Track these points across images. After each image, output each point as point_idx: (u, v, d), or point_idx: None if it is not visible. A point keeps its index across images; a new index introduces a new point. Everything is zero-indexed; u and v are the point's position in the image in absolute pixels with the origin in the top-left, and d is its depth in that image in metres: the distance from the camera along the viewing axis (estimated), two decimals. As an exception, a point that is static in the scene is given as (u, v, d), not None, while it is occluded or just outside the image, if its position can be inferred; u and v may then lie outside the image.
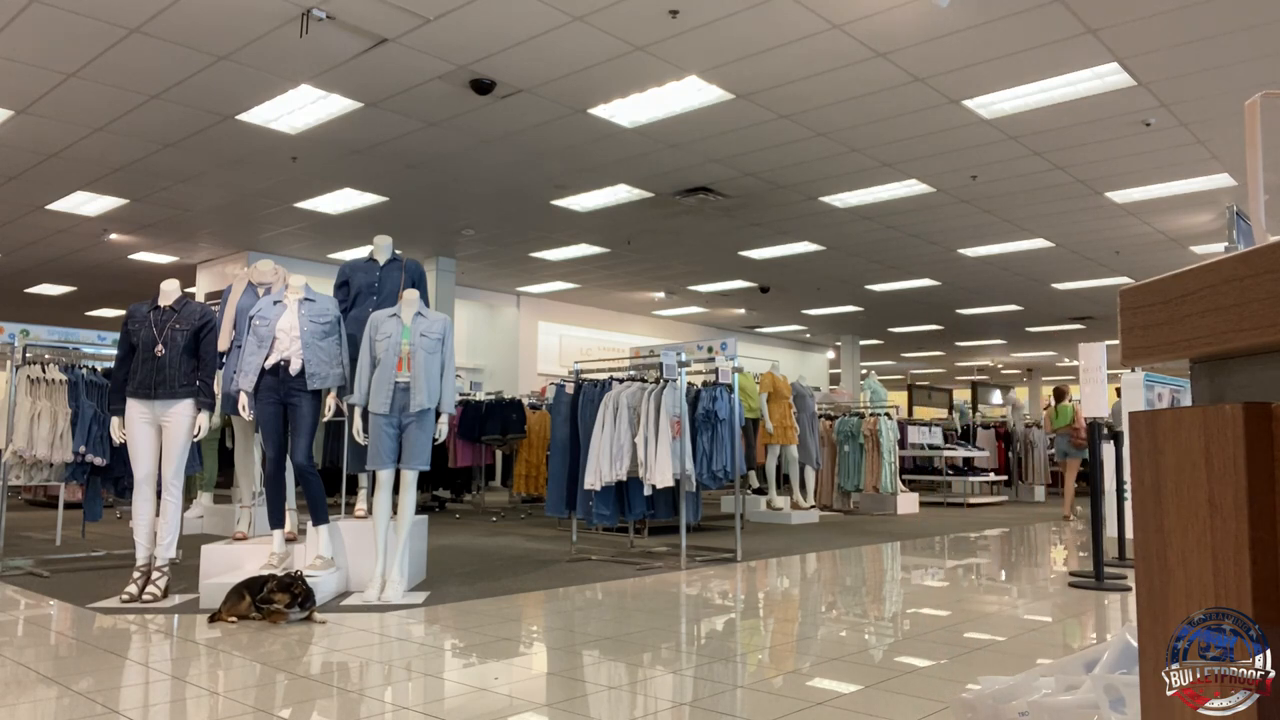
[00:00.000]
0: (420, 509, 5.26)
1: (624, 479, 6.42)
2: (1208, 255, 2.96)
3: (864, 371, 18.42)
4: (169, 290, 4.90)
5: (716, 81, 6.79)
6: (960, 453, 13.80)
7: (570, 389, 7.02)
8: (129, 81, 6.79)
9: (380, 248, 5.63)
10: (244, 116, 7.53)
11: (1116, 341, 0.87)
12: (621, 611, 4.71)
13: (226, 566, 4.74)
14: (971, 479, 13.52)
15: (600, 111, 7.41)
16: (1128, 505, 2.46)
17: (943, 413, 18.79)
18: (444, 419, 5.02)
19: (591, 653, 3.72)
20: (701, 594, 5.31)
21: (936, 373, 29.40)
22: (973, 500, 13.26)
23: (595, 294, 16.32)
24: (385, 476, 4.80)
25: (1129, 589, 5.32)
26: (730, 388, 7.14)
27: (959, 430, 14.79)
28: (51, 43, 6.14)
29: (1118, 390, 7.79)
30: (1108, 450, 6.97)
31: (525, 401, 10.75)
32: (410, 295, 5.03)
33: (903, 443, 12.51)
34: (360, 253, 6.26)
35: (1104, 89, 6.77)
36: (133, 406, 4.71)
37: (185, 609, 4.47)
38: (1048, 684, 1.95)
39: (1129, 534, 5.34)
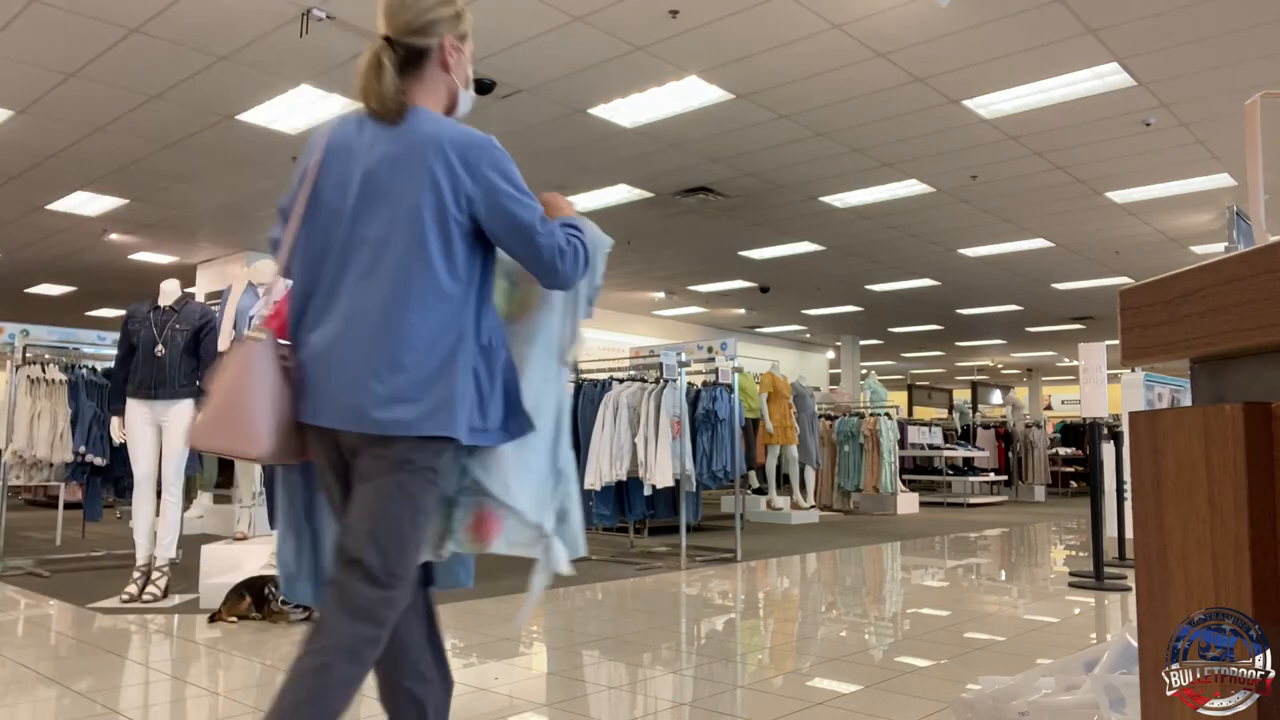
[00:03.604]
0: (420, 509, 5.24)
1: (624, 479, 6.42)
2: (1208, 255, 2.96)
3: (864, 371, 18.43)
4: (169, 290, 4.90)
5: (716, 81, 6.79)
6: (960, 453, 13.80)
7: (570, 389, 7.01)
8: (129, 81, 6.79)
9: (380, 248, 5.63)
10: (244, 116, 7.52)
11: (1116, 341, 0.87)
12: (621, 611, 4.71)
13: (226, 566, 4.73)
14: (971, 479, 13.52)
15: (600, 111, 7.40)
16: (1128, 505, 2.47)
17: (943, 413, 18.79)
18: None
19: (591, 653, 3.72)
20: (701, 594, 5.30)
21: (936, 373, 29.40)
22: (973, 500, 13.26)
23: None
24: (385, 476, 4.79)
25: (1129, 589, 5.32)
26: (730, 388, 7.14)
27: (959, 430, 14.79)
28: (51, 43, 6.14)
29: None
30: (1108, 450, 6.96)
31: (525, 401, 10.74)
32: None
33: (903, 443, 12.51)
34: (360, 253, 6.25)
35: (1104, 89, 6.76)
36: (133, 406, 4.71)
37: (185, 609, 4.47)
38: (1048, 684, 1.95)
39: (1129, 534, 5.34)
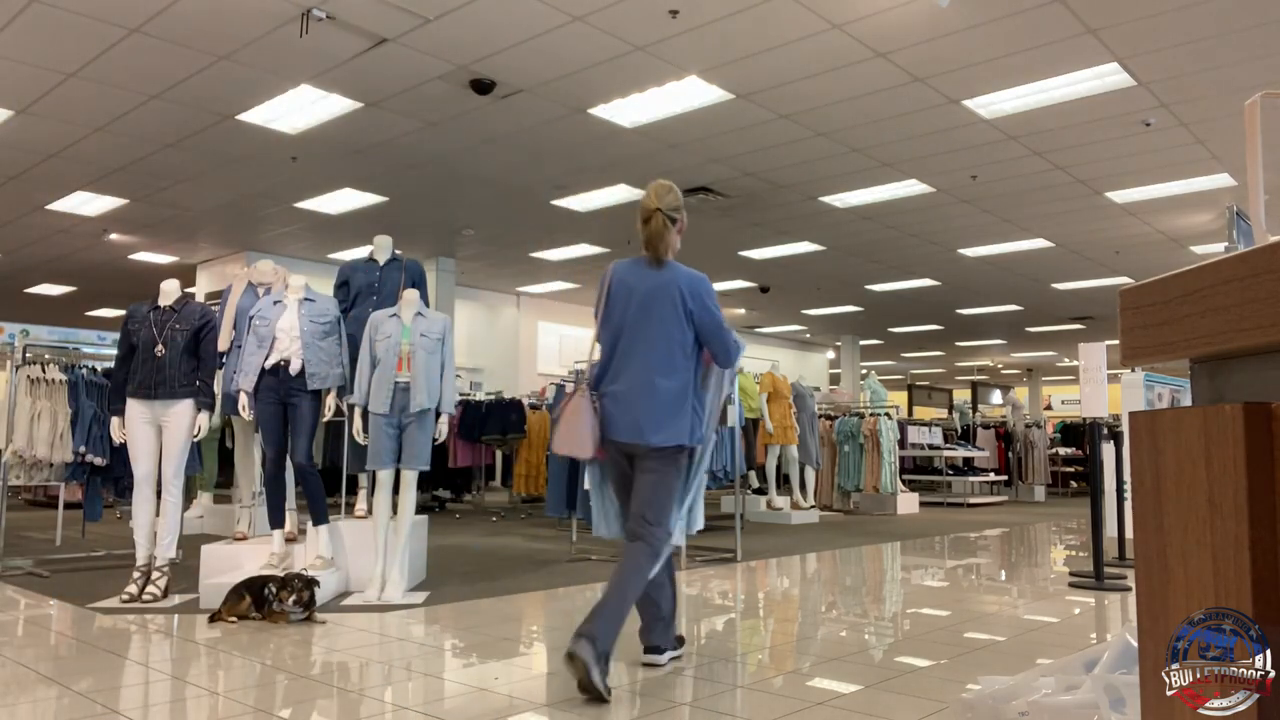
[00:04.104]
0: (420, 509, 5.26)
1: (624, 479, 6.41)
2: (1208, 255, 2.96)
3: (864, 371, 18.42)
4: (169, 290, 4.89)
5: (716, 81, 6.79)
6: (960, 453, 13.78)
7: (570, 389, 7.01)
8: (129, 81, 6.79)
9: (380, 248, 5.63)
10: (244, 116, 7.53)
11: (1116, 341, 0.87)
12: (621, 611, 4.70)
13: (226, 566, 4.74)
14: (971, 479, 13.51)
15: (600, 111, 7.41)
16: (1128, 505, 2.47)
17: (943, 413, 18.78)
18: (444, 419, 5.02)
19: (591, 653, 3.72)
20: (701, 594, 5.30)
21: (936, 373, 29.40)
22: (973, 500, 13.25)
23: (595, 294, 16.30)
24: (385, 476, 4.80)
25: (1129, 589, 5.32)
26: (730, 388, 7.13)
27: (959, 430, 14.77)
28: (51, 43, 6.14)
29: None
30: (1108, 450, 6.96)
31: (525, 401, 10.75)
32: (410, 295, 5.03)
33: (903, 443, 12.50)
34: (360, 253, 6.26)
35: (1104, 89, 6.77)
36: (133, 406, 4.71)
37: (185, 609, 4.47)
38: (1048, 684, 1.95)
39: (1129, 534, 5.34)
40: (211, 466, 7.85)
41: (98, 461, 6.00)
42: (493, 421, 10.33)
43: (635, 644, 3.86)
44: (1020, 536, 9.06)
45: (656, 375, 3.20)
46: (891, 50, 6.21)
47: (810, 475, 10.44)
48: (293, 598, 4.11)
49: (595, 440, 3.22)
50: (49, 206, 10.21)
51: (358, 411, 4.96)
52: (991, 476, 13.97)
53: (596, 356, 3.42)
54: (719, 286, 15.09)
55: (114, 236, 11.64)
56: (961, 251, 12.35)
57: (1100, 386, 5.81)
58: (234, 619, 4.13)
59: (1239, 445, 0.69)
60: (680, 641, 3.54)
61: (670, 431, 3.18)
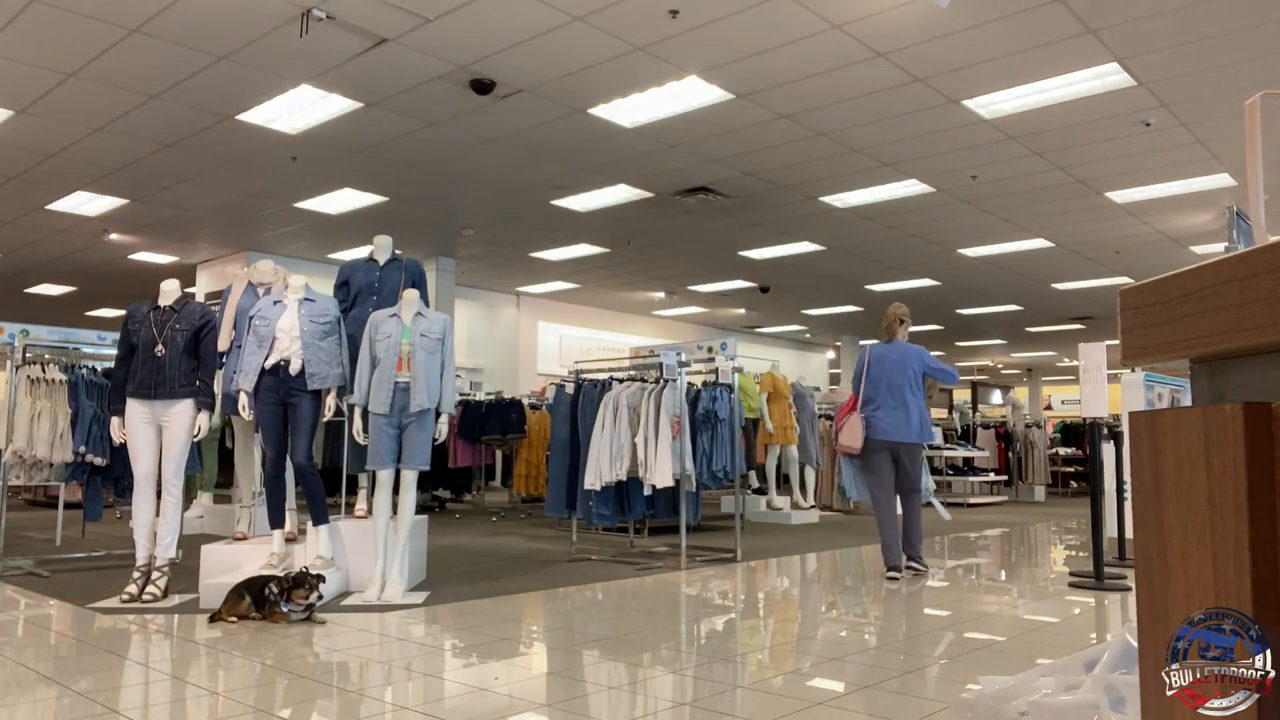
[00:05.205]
0: (420, 509, 5.26)
1: (624, 479, 6.41)
2: (1208, 255, 2.96)
3: (864, 371, 18.39)
4: (169, 290, 4.89)
5: (716, 81, 6.79)
6: (960, 453, 13.78)
7: (570, 389, 7.01)
8: (129, 81, 6.79)
9: (380, 248, 5.63)
10: (244, 116, 7.53)
11: (1116, 341, 0.87)
12: (621, 611, 4.71)
13: (226, 566, 4.74)
14: (971, 479, 13.51)
15: (600, 111, 7.41)
16: (1128, 505, 2.47)
17: (943, 413, 18.75)
18: (444, 419, 5.02)
19: (591, 653, 3.72)
20: (701, 594, 5.31)
21: (936, 372, 29.37)
22: (973, 500, 13.25)
23: (595, 294, 16.32)
24: (385, 476, 4.80)
25: (1129, 589, 5.32)
26: (730, 388, 7.13)
27: (959, 430, 14.77)
28: (51, 43, 6.14)
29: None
30: (1108, 450, 6.96)
31: (525, 401, 10.75)
32: (410, 295, 5.03)
33: (903, 443, 12.45)
34: (360, 253, 6.26)
35: (1104, 89, 6.77)
36: (133, 406, 4.71)
37: (185, 609, 4.47)
38: (1048, 684, 1.94)
39: (1129, 534, 5.33)
40: (211, 466, 7.84)
41: (98, 461, 5.99)
42: (493, 421, 10.33)
43: (635, 642, 3.86)
44: (1020, 536, 9.06)
45: (908, 401, 5.73)
46: (891, 50, 6.21)
47: (810, 475, 10.44)
48: (314, 594, 4.13)
49: (862, 440, 5.75)
50: (49, 206, 10.20)
51: (358, 411, 4.96)
52: (991, 476, 13.96)
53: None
54: (719, 286, 15.28)
55: (114, 236, 11.64)
56: (961, 251, 12.35)
57: (1100, 386, 5.81)
58: (234, 619, 4.13)
59: (1239, 445, 0.69)
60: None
61: (921, 433, 5.78)
